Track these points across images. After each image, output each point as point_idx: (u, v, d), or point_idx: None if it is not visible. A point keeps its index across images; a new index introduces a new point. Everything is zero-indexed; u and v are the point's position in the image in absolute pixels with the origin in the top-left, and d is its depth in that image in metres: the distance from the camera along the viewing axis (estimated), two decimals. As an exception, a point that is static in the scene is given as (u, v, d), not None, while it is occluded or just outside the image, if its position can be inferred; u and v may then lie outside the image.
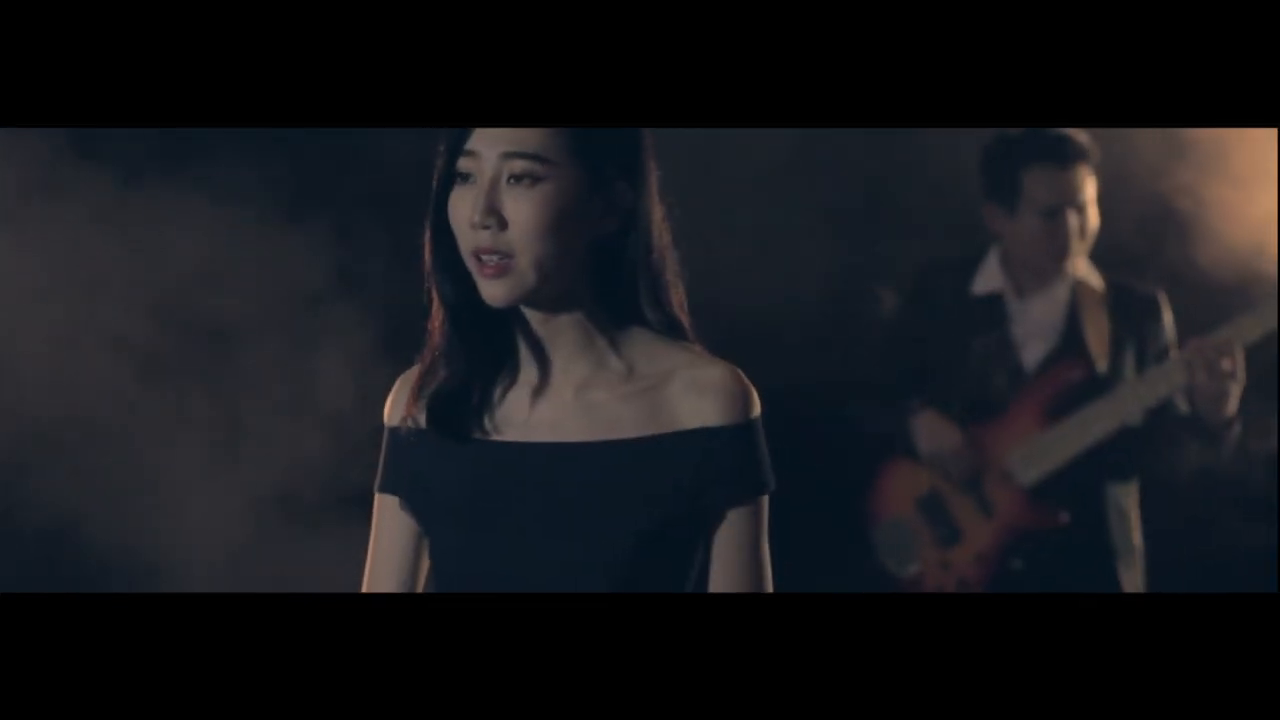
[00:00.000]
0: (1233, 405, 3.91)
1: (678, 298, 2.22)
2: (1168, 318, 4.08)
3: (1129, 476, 4.06)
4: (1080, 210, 4.01)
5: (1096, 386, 4.01)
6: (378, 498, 2.27)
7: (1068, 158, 3.98)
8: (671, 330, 2.20)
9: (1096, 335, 4.03)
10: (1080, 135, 4.02)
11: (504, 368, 2.19)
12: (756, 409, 2.18)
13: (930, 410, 4.10)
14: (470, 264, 2.13)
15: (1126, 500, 4.06)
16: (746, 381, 2.18)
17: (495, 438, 2.18)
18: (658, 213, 2.20)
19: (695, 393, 2.15)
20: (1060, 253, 4.02)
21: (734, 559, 2.18)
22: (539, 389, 2.18)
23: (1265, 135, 4.15)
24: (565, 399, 2.17)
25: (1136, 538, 4.06)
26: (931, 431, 4.09)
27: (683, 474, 2.14)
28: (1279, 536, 4.16)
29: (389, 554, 2.26)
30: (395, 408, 2.24)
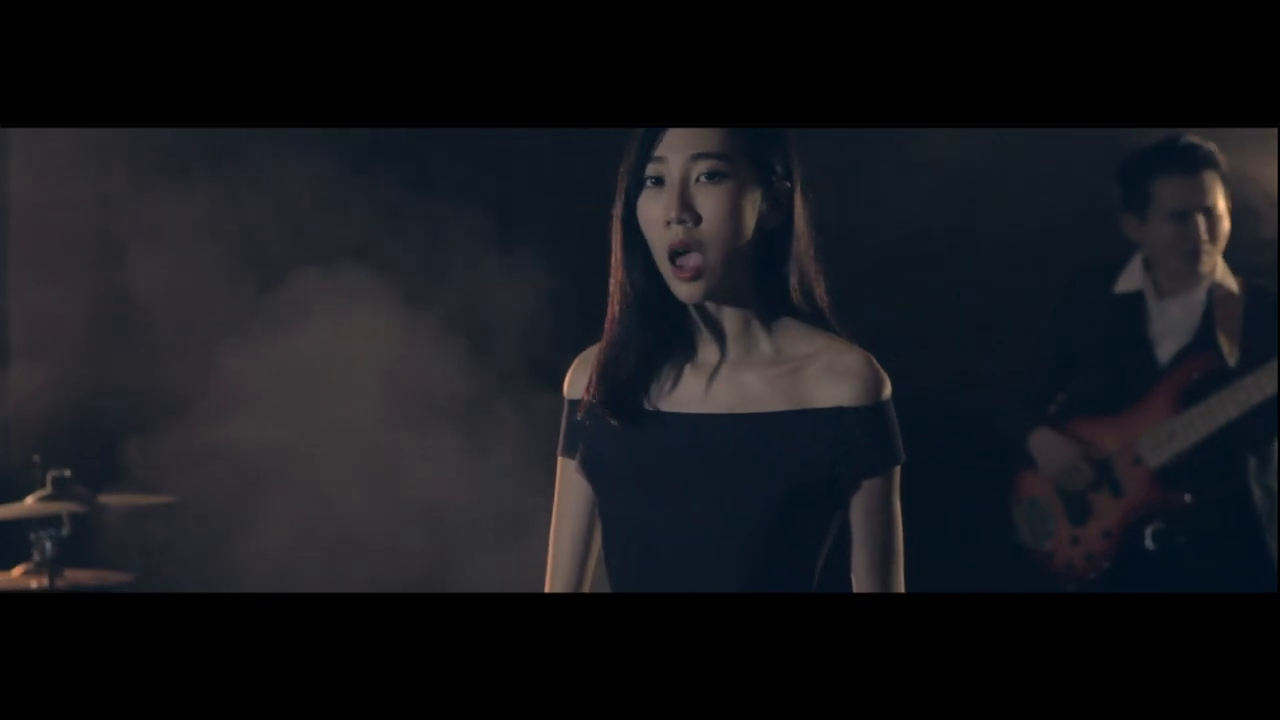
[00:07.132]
0: None
1: (819, 288, 2.47)
2: None
3: (1270, 457, 4.22)
4: (1208, 214, 4.21)
5: (1226, 379, 4.19)
6: (560, 461, 2.55)
7: (1194, 166, 4.19)
8: (817, 318, 2.46)
9: (1228, 333, 4.21)
10: (1207, 144, 4.20)
11: (675, 351, 2.46)
12: (887, 391, 2.41)
13: (1044, 428, 4.34)
14: (663, 266, 2.40)
15: (1270, 479, 4.21)
16: (879, 367, 2.41)
17: (655, 410, 2.45)
18: (805, 209, 2.46)
19: (832, 377, 2.40)
20: (1192, 254, 4.22)
21: (870, 521, 2.42)
22: (699, 369, 2.45)
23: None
24: (719, 377, 2.43)
25: None
26: (1047, 449, 4.32)
27: (817, 447, 2.39)
28: (1279, 536, 4.23)
29: (569, 510, 2.55)
30: (575, 383, 2.52)
